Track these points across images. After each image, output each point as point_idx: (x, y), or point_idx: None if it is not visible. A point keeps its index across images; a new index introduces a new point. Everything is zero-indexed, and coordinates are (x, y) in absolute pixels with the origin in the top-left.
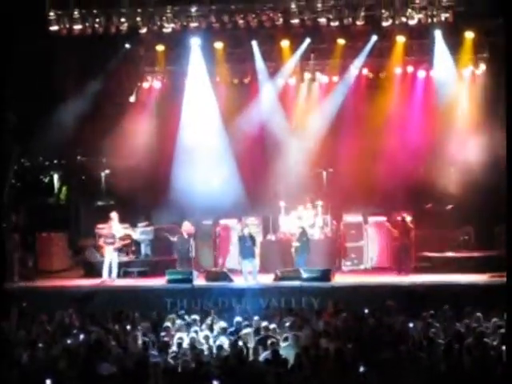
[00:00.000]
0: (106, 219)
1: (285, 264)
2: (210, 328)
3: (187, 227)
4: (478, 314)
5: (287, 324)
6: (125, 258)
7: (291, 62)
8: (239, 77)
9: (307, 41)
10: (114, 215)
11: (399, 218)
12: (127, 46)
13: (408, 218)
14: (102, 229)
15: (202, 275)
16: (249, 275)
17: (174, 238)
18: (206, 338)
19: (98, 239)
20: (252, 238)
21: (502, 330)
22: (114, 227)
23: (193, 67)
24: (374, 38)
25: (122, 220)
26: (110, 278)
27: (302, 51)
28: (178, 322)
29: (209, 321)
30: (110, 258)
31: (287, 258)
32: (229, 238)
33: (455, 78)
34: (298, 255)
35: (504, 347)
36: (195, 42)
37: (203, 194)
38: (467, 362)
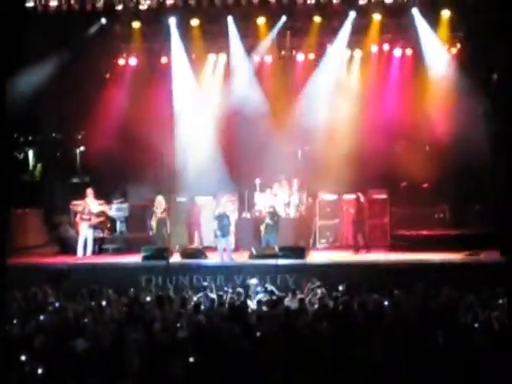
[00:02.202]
0: (81, 196)
1: (260, 242)
2: (183, 305)
3: (160, 203)
4: (452, 291)
5: (262, 301)
6: (100, 235)
7: (267, 40)
8: (215, 54)
9: (283, 18)
10: (89, 191)
11: (355, 197)
12: (103, 20)
13: (362, 198)
14: (78, 205)
15: (177, 252)
16: (224, 253)
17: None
18: (180, 314)
19: (74, 216)
20: (228, 216)
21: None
22: (90, 204)
23: (172, 45)
24: (353, 15)
25: (97, 197)
26: (85, 254)
27: (278, 28)
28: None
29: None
30: (85, 234)
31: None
32: (204, 215)
33: (437, 55)
34: (266, 234)
35: (476, 325)
36: (172, 21)
37: (178, 170)
38: (441, 339)
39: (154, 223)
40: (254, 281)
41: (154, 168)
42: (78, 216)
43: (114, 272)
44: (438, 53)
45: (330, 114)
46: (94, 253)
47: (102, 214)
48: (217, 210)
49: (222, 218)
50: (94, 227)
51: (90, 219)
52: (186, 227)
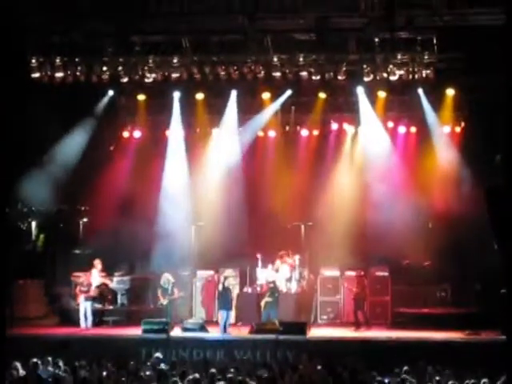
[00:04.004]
0: (83, 267)
1: (260, 316)
2: (182, 379)
3: (168, 280)
4: (450, 371)
5: (262, 377)
6: (99, 307)
7: (272, 114)
8: (218, 127)
9: (288, 92)
10: (97, 262)
11: (356, 273)
12: (110, 92)
13: (363, 275)
14: (79, 277)
15: (178, 326)
16: (225, 327)
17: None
18: None
19: (74, 287)
20: (231, 291)
21: None
22: (94, 275)
23: (173, 118)
24: (360, 90)
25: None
26: (86, 326)
27: (282, 103)
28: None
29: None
30: (84, 306)
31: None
32: (210, 289)
33: (441, 133)
34: (265, 310)
35: None
36: (176, 94)
37: (181, 244)
38: None
39: (164, 299)
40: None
41: (157, 240)
42: (78, 288)
43: (114, 344)
44: (443, 131)
45: (333, 190)
46: (94, 324)
47: (103, 285)
48: (222, 283)
49: (226, 292)
50: (93, 299)
51: (87, 291)
52: (187, 300)
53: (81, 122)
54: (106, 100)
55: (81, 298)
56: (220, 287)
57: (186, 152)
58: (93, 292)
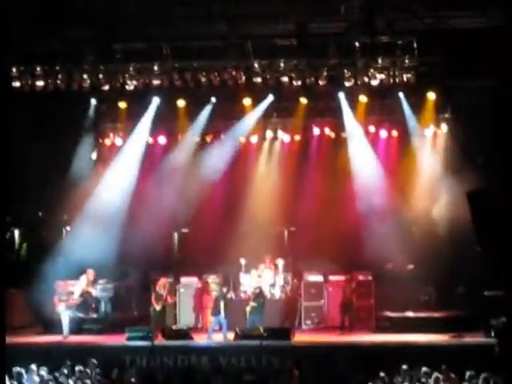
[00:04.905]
0: (67, 276)
1: (245, 323)
2: None
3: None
4: (437, 374)
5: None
6: (79, 315)
7: (253, 120)
8: (201, 134)
9: (270, 98)
10: (89, 272)
11: (340, 278)
12: (93, 101)
13: (348, 280)
14: (60, 286)
15: (163, 333)
16: (214, 332)
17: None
18: None
19: (55, 296)
20: (221, 296)
21: None
22: (81, 283)
23: (144, 123)
24: (342, 96)
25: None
26: (67, 334)
27: (264, 108)
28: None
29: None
30: (64, 314)
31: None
32: (198, 296)
33: (422, 136)
34: (251, 316)
35: None
36: (155, 100)
37: (163, 250)
38: None
39: (158, 305)
40: None
41: (139, 247)
42: (57, 297)
43: (98, 352)
44: (424, 134)
45: (315, 194)
46: (73, 332)
47: (86, 293)
48: (216, 289)
49: (220, 298)
50: (76, 307)
51: (67, 300)
52: (171, 307)
53: (63, 132)
54: (91, 109)
55: (61, 307)
56: (213, 293)
57: (166, 159)
58: (73, 300)
